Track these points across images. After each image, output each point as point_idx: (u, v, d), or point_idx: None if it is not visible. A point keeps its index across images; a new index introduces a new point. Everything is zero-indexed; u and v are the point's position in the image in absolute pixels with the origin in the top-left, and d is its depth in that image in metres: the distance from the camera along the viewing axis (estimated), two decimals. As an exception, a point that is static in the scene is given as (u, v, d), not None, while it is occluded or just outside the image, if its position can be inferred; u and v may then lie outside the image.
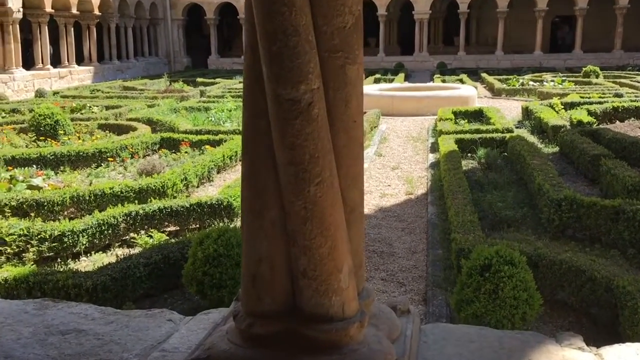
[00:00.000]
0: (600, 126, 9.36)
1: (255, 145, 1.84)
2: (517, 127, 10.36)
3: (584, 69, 19.03)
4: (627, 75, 19.42)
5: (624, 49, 26.03)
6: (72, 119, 10.49)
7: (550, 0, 25.87)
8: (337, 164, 1.81)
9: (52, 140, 9.08)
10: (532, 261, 3.76)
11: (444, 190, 6.09)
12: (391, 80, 19.88)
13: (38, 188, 6.08)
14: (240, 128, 7.52)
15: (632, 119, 10.47)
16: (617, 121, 10.52)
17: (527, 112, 11.25)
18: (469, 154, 8.28)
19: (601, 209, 4.79)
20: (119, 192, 5.79)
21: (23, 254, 4.45)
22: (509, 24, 27.83)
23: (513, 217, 5.44)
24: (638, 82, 16.69)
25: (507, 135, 8.57)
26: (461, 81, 19.04)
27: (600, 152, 6.86)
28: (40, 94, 16.11)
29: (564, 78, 18.12)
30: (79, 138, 9.49)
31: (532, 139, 9.49)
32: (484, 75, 21.05)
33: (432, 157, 8.61)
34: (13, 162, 7.48)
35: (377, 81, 19.45)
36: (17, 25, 17.37)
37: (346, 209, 1.85)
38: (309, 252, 1.76)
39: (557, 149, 8.64)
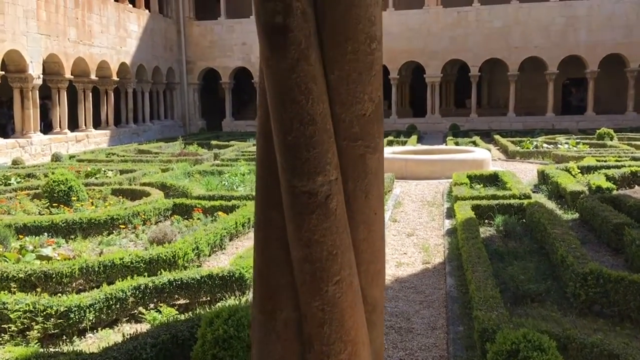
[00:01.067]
0: (620, 192, 9.17)
1: (267, 240, 1.72)
2: (534, 192, 10.20)
3: (597, 131, 18.97)
4: (642, 137, 19.32)
5: (636, 110, 26.06)
6: (86, 184, 10.51)
7: (561, 63, 26.15)
8: (357, 260, 1.68)
9: (65, 207, 9.04)
10: (560, 343, 3.54)
11: (463, 261, 5.90)
12: (404, 143, 19.93)
13: (48, 258, 5.97)
14: (253, 193, 7.46)
15: (652, 183, 10.29)
16: (636, 185, 10.33)
17: (543, 176, 11.10)
18: (486, 221, 8.10)
19: (630, 284, 4.57)
20: (129, 263, 5.66)
21: (27, 332, 4.29)
22: (520, 87, 28.07)
23: (536, 290, 5.21)
24: (654, 144, 16.58)
25: (525, 201, 8.40)
26: (474, 143, 19.03)
27: (623, 220, 6.66)
28: (56, 158, 16.28)
29: (578, 140, 18.05)
30: (92, 204, 9.46)
31: (550, 204, 9.31)
32: (496, 137, 21.06)
33: (448, 223, 8.44)
34: (24, 229, 7.42)
35: (390, 143, 19.50)
36: (37, 91, 17.76)
37: (367, 308, 1.70)
38: (327, 359, 1.61)
39: (576, 215, 8.44)
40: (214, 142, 20.69)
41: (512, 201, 8.51)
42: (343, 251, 1.60)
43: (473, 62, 27.07)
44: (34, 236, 7.22)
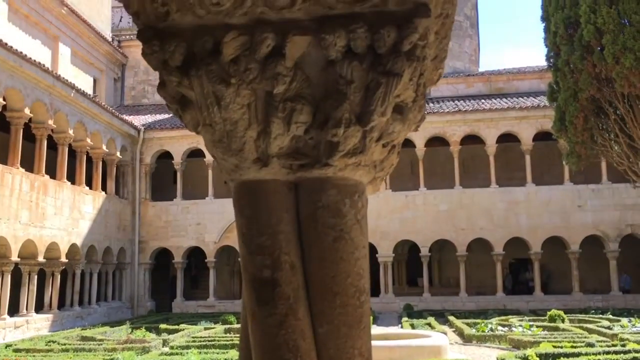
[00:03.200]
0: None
1: None
2: (495, 383, 9.98)
3: (548, 312, 19.26)
4: (591, 319, 19.65)
5: (582, 291, 26.81)
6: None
7: (506, 244, 27.23)
8: None
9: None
10: None
11: None
12: (360, 326, 19.55)
13: None
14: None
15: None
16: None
17: (504, 365, 10.96)
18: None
19: None
20: None
21: None
22: (469, 267, 28.78)
23: None
24: (603, 327, 16.87)
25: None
26: (430, 325, 18.91)
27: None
28: (-9, 346, 15.19)
29: (531, 323, 18.20)
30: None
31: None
32: (451, 318, 21.04)
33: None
34: None
35: (345, 327, 19.10)
36: (-20, 274, 17.07)
37: None
38: None
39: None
40: (163, 326, 19.87)
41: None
42: None
43: (423, 243, 27.90)
44: None
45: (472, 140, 28.62)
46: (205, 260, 28.48)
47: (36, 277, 20.51)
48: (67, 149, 22.91)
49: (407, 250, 31.16)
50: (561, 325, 17.33)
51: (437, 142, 28.65)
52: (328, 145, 1.68)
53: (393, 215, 28.18)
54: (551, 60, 13.62)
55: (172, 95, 1.73)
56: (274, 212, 1.71)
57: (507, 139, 28.31)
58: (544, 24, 13.64)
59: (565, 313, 19.50)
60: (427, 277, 28.33)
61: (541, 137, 27.46)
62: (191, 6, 1.61)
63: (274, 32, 1.62)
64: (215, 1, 1.59)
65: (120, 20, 36.84)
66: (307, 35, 1.62)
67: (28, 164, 20.47)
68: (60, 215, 21.79)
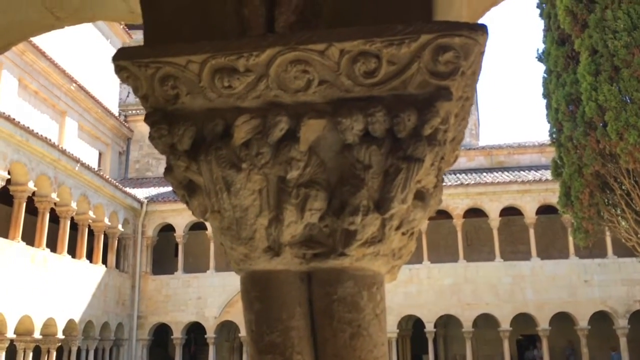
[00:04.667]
0: None
1: None
2: None
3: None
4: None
5: (593, 367, 25.94)
6: None
7: (513, 320, 26.57)
8: None
9: None
10: None
11: None
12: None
13: None
14: None
15: None
16: None
17: None
18: None
19: None
20: None
21: None
22: (475, 343, 27.97)
23: None
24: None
25: None
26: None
27: None
28: None
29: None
30: None
31: None
32: (459, 399, 20.23)
33: None
34: None
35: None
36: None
37: None
38: None
39: None
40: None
41: None
42: None
43: (428, 318, 27.24)
44: None
45: (475, 213, 28.50)
46: (205, 336, 27.74)
47: (31, 354, 19.93)
48: (69, 222, 22.81)
49: (412, 326, 30.39)
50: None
51: (440, 214, 28.51)
52: (344, 234, 1.57)
53: (397, 289, 27.65)
54: (554, 136, 13.71)
55: (179, 181, 1.65)
56: (286, 306, 1.58)
57: (510, 212, 28.19)
58: (545, 101, 13.83)
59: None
60: (432, 353, 27.49)
61: (544, 210, 27.36)
62: (202, 89, 1.55)
63: (288, 115, 1.55)
64: (227, 84, 1.53)
65: (128, 96, 37.65)
66: (322, 118, 1.55)
67: (29, 237, 20.31)
68: (59, 290, 21.42)
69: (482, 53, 1.52)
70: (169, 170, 1.65)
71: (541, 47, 14.95)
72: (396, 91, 1.52)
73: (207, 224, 25.78)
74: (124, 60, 1.55)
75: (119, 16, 2.73)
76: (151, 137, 1.60)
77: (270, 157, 1.56)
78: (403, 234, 1.68)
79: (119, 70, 1.58)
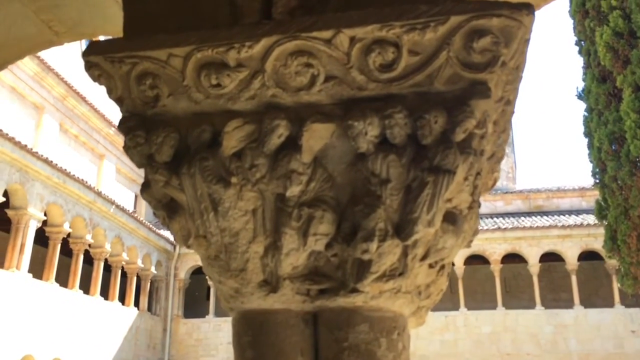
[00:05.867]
0: None
1: None
2: None
3: None
4: None
5: None
6: None
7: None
8: None
9: None
10: None
11: None
12: None
13: None
14: None
15: None
16: None
17: None
18: None
19: None
20: None
21: None
22: (517, 396, 26.62)
23: None
24: None
25: None
26: None
27: None
28: None
29: None
30: None
31: None
32: None
33: None
34: None
35: None
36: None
37: None
38: None
39: None
40: None
41: None
42: None
43: (466, 369, 26.14)
44: None
45: (513, 258, 27.60)
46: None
47: (59, 398, 19.66)
48: (102, 264, 22.85)
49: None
50: None
51: (476, 260, 27.68)
52: (357, 265, 1.25)
53: (433, 337, 26.69)
54: (597, 176, 13.14)
55: (157, 199, 1.36)
56: (285, 355, 1.26)
57: (551, 258, 27.21)
58: (587, 140, 13.33)
59: None
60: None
61: (586, 256, 26.33)
62: (186, 89, 1.29)
63: (288, 118, 1.27)
64: (215, 82, 1.27)
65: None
66: (329, 122, 1.26)
67: (63, 278, 20.37)
68: (91, 333, 21.30)
69: (527, 40, 1.22)
70: (146, 186, 1.37)
71: (581, 85, 14.52)
72: (420, 88, 1.23)
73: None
74: (95, 56, 1.30)
75: (120, 30, 2.51)
76: (126, 147, 1.34)
77: (267, 170, 1.27)
78: (430, 266, 1.35)
79: (89, 67, 1.33)
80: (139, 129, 1.31)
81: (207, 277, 22.58)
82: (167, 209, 1.35)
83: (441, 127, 1.21)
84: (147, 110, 1.32)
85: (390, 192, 1.23)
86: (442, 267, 1.43)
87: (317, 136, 1.26)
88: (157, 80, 1.29)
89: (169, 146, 1.30)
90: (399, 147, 1.24)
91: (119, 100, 1.35)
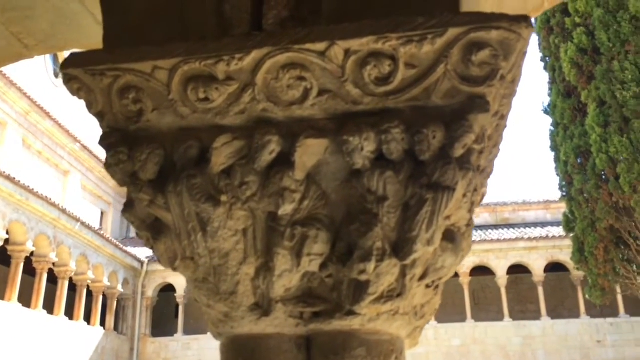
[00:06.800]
0: None
1: None
2: None
3: None
4: None
5: None
6: None
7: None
8: None
9: None
10: None
11: None
12: None
13: None
14: None
15: None
16: None
17: None
18: None
19: None
20: None
21: None
22: (488, 409, 26.75)
23: None
24: None
25: None
26: None
27: None
28: None
29: None
30: None
31: None
32: None
33: None
34: None
35: None
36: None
37: None
38: None
39: None
40: None
41: None
42: None
43: (437, 382, 26.19)
44: None
45: (481, 271, 27.85)
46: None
47: None
48: (67, 283, 22.26)
49: (421, 390, 29.21)
50: None
51: (446, 273, 27.89)
52: (353, 286, 1.20)
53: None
54: (564, 189, 13.37)
55: (141, 219, 1.29)
56: (278, 383, 1.20)
57: (517, 270, 27.54)
58: (553, 154, 13.57)
59: None
60: (444, 419, 26.26)
61: (552, 268, 26.74)
62: (172, 103, 1.22)
63: (280, 134, 1.21)
64: (203, 96, 1.21)
65: (131, 155, 37.63)
66: (323, 137, 1.21)
67: (25, 298, 19.75)
68: (54, 354, 20.67)
69: (525, 53, 1.20)
70: (129, 206, 1.29)
71: (546, 100, 14.83)
72: (417, 102, 1.19)
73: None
74: (74, 68, 1.23)
75: (94, 43, 2.43)
76: (107, 164, 1.26)
77: (258, 187, 1.22)
78: (428, 286, 1.31)
79: (68, 80, 1.26)
80: (121, 146, 1.24)
81: (175, 294, 22.39)
82: (151, 230, 1.28)
83: (439, 142, 1.18)
84: (130, 126, 1.25)
85: (388, 209, 1.18)
86: (437, 286, 1.39)
87: (311, 152, 1.20)
88: (141, 94, 1.22)
89: (154, 163, 1.23)
90: (396, 163, 1.19)
91: (99, 115, 1.28)
